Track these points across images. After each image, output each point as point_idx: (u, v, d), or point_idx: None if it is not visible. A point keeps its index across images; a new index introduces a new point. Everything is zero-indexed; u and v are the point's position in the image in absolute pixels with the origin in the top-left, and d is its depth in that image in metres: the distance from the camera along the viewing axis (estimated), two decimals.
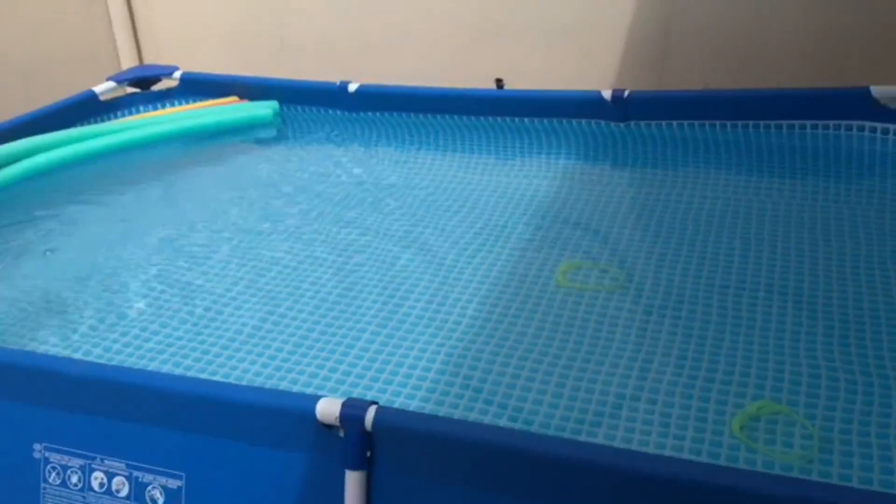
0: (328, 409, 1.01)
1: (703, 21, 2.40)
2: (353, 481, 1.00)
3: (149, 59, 3.14)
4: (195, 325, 1.55)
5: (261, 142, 2.40)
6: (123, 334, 1.52)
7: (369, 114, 2.36)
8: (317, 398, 1.02)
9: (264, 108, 2.43)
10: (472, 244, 1.78)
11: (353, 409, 1.00)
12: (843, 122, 1.94)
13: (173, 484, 1.10)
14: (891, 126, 1.89)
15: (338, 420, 1.00)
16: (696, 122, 2.05)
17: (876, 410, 1.22)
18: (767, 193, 1.90)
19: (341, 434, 1.01)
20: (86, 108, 2.40)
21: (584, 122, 2.14)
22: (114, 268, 1.76)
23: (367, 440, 1.00)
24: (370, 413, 0.99)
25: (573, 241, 1.77)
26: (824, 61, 2.32)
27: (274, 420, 1.05)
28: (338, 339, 1.47)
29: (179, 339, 1.50)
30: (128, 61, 3.08)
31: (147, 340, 1.50)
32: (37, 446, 1.17)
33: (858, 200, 1.83)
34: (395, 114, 2.33)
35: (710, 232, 1.75)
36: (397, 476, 1.01)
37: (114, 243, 1.86)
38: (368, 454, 1.01)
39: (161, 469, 1.11)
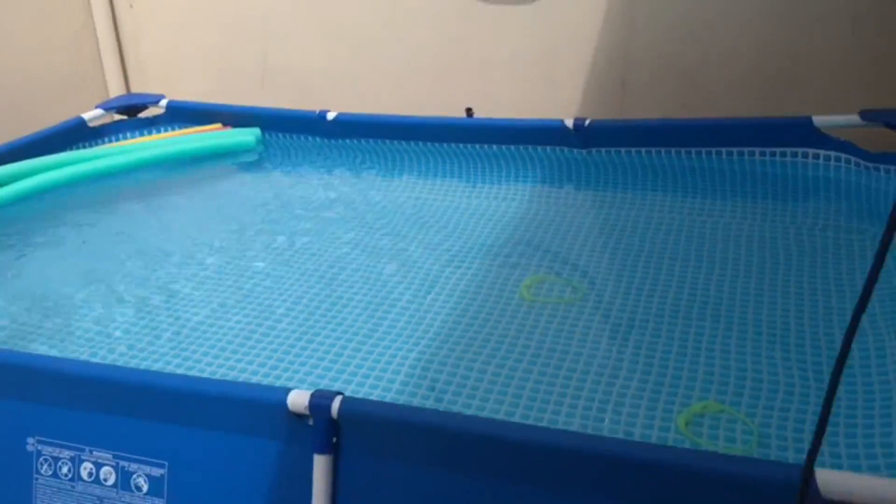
0: (298, 399, 1.10)
1: (660, 56, 2.50)
2: (320, 465, 1.09)
3: (136, 88, 3.19)
4: (184, 328, 1.65)
5: (244, 166, 2.49)
6: (118, 336, 1.63)
7: (346, 141, 2.44)
8: (288, 390, 1.11)
9: (247, 135, 2.50)
10: (442, 260, 1.88)
11: (321, 399, 1.09)
12: (789, 150, 2.05)
13: (156, 472, 1.18)
14: (832, 153, 2.01)
15: (307, 409, 1.09)
16: (653, 149, 2.15)
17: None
18: (720, 214, 2.01)
19: (310, 423, 1.10)
20: (75, 134, 2.46)
21: (548, 148, 2.23)
22: (106, 279, 1.86)
23: (334, 427, 1.09)
24: (336, 402, 1.09)
25: (537, 258, 1.88)
26: (771, 93, 2.42)
27: (249, 411, 1.14)
28: (314, 345, 1.57)
29: (169, 341, 1.61)
30: (115, 89, 3.14)
31: (140, 343, 1.60)
32: (30, 440, 1.25)
33: (804, 221, 1.94)
34: (371, 141, 2.41)
35: (666, 249, 1.86)
36: (360, 459, 1.10)
37: (106, 258, 1.96)
38: (335, 440, 1.10)
39: (145, 458, 1.19)
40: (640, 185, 2.16)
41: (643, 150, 2.16)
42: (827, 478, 0.90)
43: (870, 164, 1.95)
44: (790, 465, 0.94)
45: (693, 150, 2.12)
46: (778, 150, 2.05)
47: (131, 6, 3.06)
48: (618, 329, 1.57)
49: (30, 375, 1.27)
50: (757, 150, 2.07)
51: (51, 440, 1.24)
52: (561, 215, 2.07)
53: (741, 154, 2.09)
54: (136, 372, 1.30)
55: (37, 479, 1.25)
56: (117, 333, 1.64)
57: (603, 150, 2.19)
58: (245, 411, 1.14)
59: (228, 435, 1.15)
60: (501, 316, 1.64)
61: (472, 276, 1.81)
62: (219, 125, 2.56)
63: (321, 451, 1.09)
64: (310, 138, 2.49)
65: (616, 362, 1.47)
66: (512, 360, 1.49)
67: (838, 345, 1.46)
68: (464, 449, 1.05)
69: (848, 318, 1.52)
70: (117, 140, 2.55)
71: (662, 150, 2.14)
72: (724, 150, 2.10)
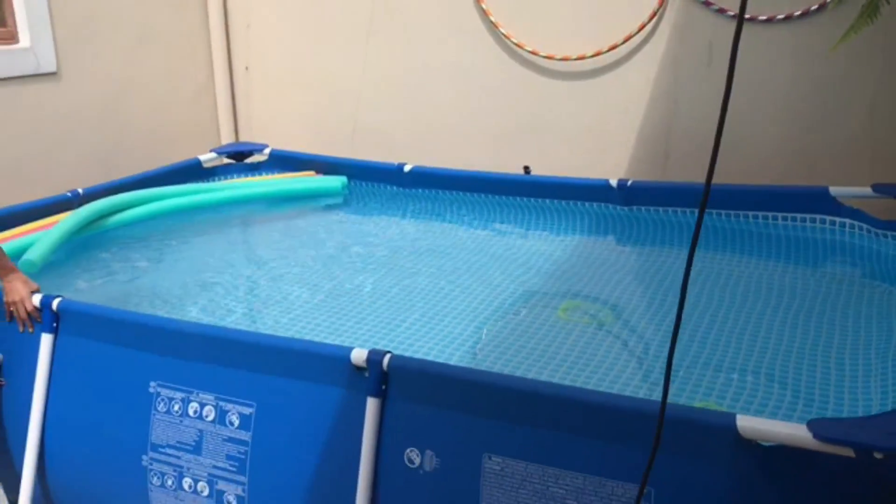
0: (359, 355, 1.41)
1: (698, 131, 2.75)
2: (372, 406, 1.39)
3: (244, 137, 3.57)
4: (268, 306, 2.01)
5: (330, 207, 2.84)
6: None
7: (420, 190, 2.77)
8: (351, 348, 1.42)
9: (335, 182, 2.84)
10: (496, 287, 2.18)
11: (375, 356, 1.40)
12: (808, 215, 2.27)
13: (247, 411, 1.50)
14: (846, 220, 2.23)
15: (365, 363, 1.40)
16: (687, 209, 2.40)
17: (797, 415, 1.55)
18: (745, 268, 2.24)
19: (366, 374, 1.41)
20: (192, 172, 2.85)
21: (594, 204, 2.51)
22: (212, 278, 2.24)
23: (384, 377, 1.40)
24: (386, 358, 1.40)
25: (575, 290, 2.15)
26: (794, 165, 2.65)
27: (320, 363, 1.45)
28: (387, 340, 1.88)
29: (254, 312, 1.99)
30: (227, 137, 3.54)
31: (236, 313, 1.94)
32: (152, 383, 1.58)
33: (823, 276, 2.15)
34: (441, 191, 2.73)
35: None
36: (402, 402, 1.39)
37: (213, 264, 2.35)
38: (384, 387, 1.40)
39: (239, 400, 1.51)
40: (677, 241, 2.40)
41: (679, 209, 2.42)
42: (745, 423, 1.15)
43: (879, 231, 2.17)
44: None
45: (723, 211, 2.37)
46: (798, 215, 2.28)
47: (246, 69, 3.50)
48: (637, 346, 1.83)
49: (155, 332, 1.61)
50: (780, 214, 2.30)
51: (167, 384, 1.57)
52: (601, 261, 2.34)
53: (766, 217, 2.32)
54: (235, 331, 1.62)
55: (154, 414, 1.57)
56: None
57: (643, 207, 2.46)
58: (318, 363, 1.45)
59: (304, 382, 1.46)
60: (539, 330, 1.92)
61: (518, 297, 2.11)
62: (312, 172, 2.91)
63: (373, 395, 1.39)
64: (388, 186, 2.82)
65: (632, 373, 1.72)
66: (541, 362, 1.77)
67: (833, 372, 1.69)
68: (483, 396, 1.34)
69: (848, 356, 1.74)
70: (225, 179, 2.91)
71: (696, 210, 2.35)
72: (750, 213, 2.34)
